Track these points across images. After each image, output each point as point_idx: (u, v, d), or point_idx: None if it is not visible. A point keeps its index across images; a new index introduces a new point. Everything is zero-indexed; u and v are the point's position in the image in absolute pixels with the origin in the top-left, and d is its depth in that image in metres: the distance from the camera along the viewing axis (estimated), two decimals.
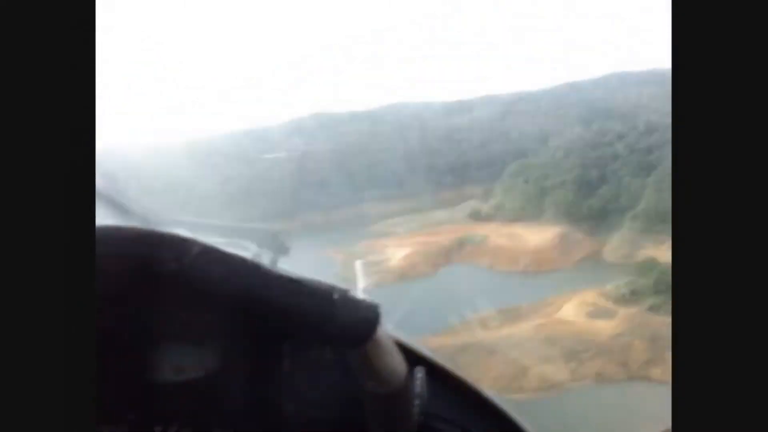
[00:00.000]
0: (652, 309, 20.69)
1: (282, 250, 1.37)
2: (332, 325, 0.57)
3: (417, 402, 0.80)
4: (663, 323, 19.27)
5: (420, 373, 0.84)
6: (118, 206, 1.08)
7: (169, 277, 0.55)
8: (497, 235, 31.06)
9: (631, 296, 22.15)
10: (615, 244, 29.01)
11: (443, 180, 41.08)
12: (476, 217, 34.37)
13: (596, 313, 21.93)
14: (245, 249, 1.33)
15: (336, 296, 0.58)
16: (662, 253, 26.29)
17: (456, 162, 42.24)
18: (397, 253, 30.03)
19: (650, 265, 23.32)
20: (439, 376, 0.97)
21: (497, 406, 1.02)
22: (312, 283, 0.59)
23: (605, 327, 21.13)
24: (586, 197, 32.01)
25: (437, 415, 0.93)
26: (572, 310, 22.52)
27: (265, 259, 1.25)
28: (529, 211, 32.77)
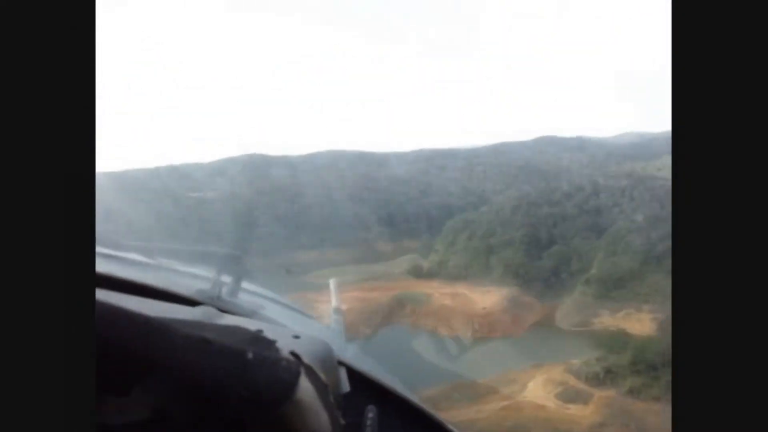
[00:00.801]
0: (632, 392, 17.37)
1: (243, 273, 1.36)
2: (244, 387, 0.52)
3: None
4: (648, 410, 15.91)
5: (371, 412, 0.84)
6: None
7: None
8: (440, 294, 27.36)
9: (606, 376, 18.71)
10: (567, 310, 25.93)
11: (378, 231, 37.77)
12: (416, 273, 30.61)
13: (568, 396, 18.39)
14: (205, 275, 1.31)
15: (250, 355, 0.53)
16: (621, 322, 23.63)
17: (392, 213, 38.95)
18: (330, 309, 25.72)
19: (622, 339, 20.11)
20: (401, 408, 0.98)
21: None
22: (224, 343, 0.53)
23: (582, 414, 17.55)
24: (534, 258, 28.98)
25: None
26: (539, 390, 18.93)
27: (225, 284, 1.24)
28: (475, 270, 29.32)
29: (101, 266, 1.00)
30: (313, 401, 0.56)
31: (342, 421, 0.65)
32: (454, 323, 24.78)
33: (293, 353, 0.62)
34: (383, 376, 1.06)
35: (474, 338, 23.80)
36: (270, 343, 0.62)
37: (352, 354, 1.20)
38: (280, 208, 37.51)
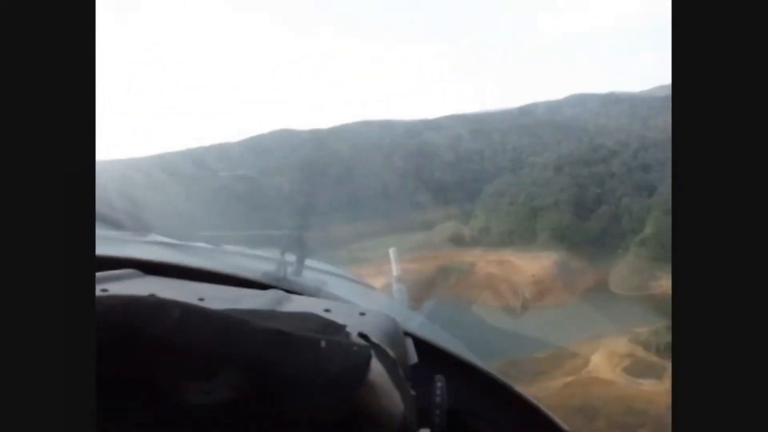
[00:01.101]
0: None
1: (305, 252, 1.39)
2: (319, 375, 0.54)
3: (437, 412, 0.80)
4: None
5: (440, 382, 0.84)
6: (113, 222, 1.15)
7: (151, 343, 0.52)
8: (485, 262, 25.77)
9: None
10: (622, 274, 24.09)
11: (414, 200, 36.20)
12: (458, 241, 29.00)
13: (638, 370, 16.77)
14: (270, 256, 1.36)
15: (323, 344, 0.55)
16: None
17: (426, 181, 37.29)
18: (372, 283, 24.40)
19: None
20: (469, 373, 0.97)
21: (528, 399, 1.00)
22: (299, 333, 0.55)
23: (657, 391, 15.88)
24: (582, 220, 27.12)
25: (466, 411, 0.93)
26: (604, 364, 17.36)
27: (290, 264, 1.28)
28: (520, 236, 27.60)
29: (173, 256, 1.08)
30: (384, 382, 0.57)
31: (412, 393, 0.66)
32: (503, 292, 23.23)
33: (362, 334, 0.62)
34: (450, 344, 1.04)
35: (525, 308, 22.28)
36: (340, 328, 0.63)
37: (417, 323, 1.18)
38: (312, 182, 36.23)
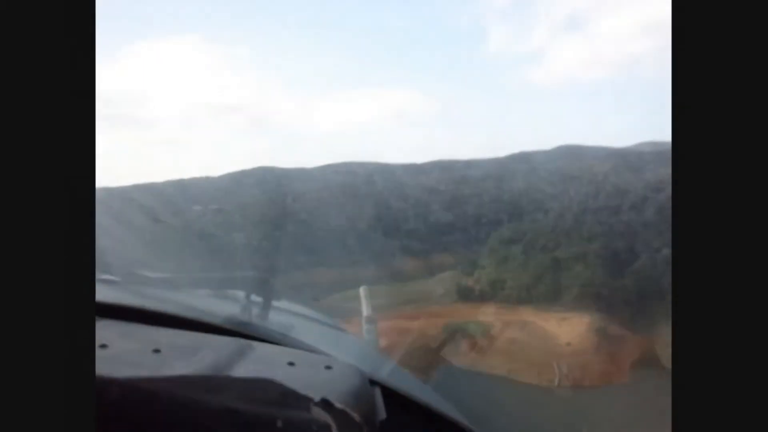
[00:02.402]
0: None
1: (273, 295, 1.31)
2: None
3: None
4: None
5: None
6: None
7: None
8: (503, 323, 19.97)
9: None
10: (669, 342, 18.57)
11: (403, 246, 30.65)
12: (464, 295, 23.26)
13: None
14: (234, 297, 1.28)
15: (279, 423, 0.51)
16: None
17: (418, 227, 31.85)
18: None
19: None
20: (441, 424, 0.93)
21: None
22: (253, 411, 0.51)
23: None
24: (615, 275, 21.67)
25: None
26: None
27: (255, 307, 1.21)
28: (541, 292, 21.98)
29: (129, 300, 1.00)
30: None
31: None
32: (533, 365, 17.45)
33: (324, 401, 0.58)
34: (421, 392, 1.00)
35: (563, 387, 16.52)
36: (300, 399, 0.58)
37: (387, 368, 1.09)
38: (292, 223, 30.56)
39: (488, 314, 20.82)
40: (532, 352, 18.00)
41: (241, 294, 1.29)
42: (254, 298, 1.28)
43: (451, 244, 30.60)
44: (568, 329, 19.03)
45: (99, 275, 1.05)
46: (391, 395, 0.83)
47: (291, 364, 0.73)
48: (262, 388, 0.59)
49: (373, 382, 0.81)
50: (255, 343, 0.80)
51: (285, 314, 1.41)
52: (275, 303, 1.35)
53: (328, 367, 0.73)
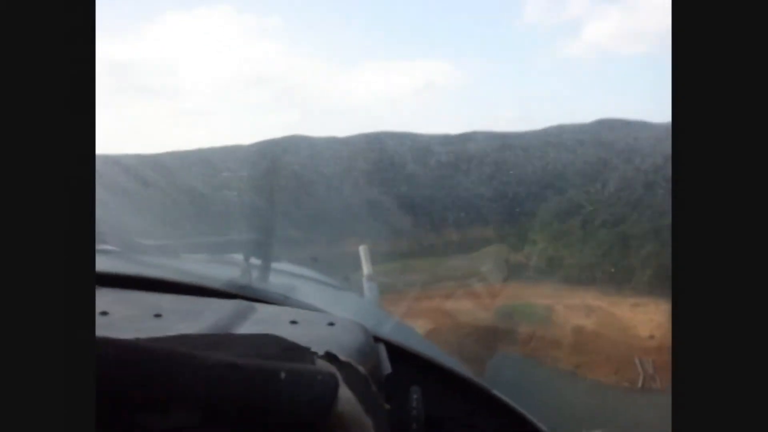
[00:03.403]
0: None
1: (271, 257, 1.28)
2: (280, 410, 0.47)
3: (414, 426, 0.74)
4: None
5: (415, 393, 0.77)
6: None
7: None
8: (565, 307, 16.58)
9: None
10: None
11: (439, 217, 27.31)
12: (516, 274, 19.83)
13: None
14: (234, 261, 1.26)
15: (283, 375, 0.48)
16: None
17: (451, 196, 28.42)
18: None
19: None
20: (444, 377, 0.92)
21: (506, 401, 0.95)
22: (255, 364, 0.48)
23: None
24: None
25: (445, 416, 0.88)
26: None
27: (255, 270, 1.19)
28: (608, 271, 18.46)
29: (128, 267, 1.01)
30: (353, 410, 0.51)
31: (387, 407, 0.61)
32: (608, 361, 14.08)
33: (329, 354, 0.58)
34: (424, 346, 0.97)
35: (649, 389, 13.16)
36: (304, 352, 0.57)
37: (390, 325, 1.07)
38: (320, 191, 27.47)
39: (546, 296, 17.40)
40: (604, 343, 14.60)
41: (240, 257, 1.25)
42: (254, 260, 1.24)
43: (491, 217, 27.23)
44: (645, 318, 15.55)
45: (97, 246, 0.97)
46: (395, 352, 0.82)
47: (293, 322, 0.72)
48: (265, 343, 0.57)
49: (376, 339, 0.79)
50: (257, 305, 0.79)
51: (285, 276, 1.37)
52: (275, 265, 1.31)
53: (331, 324, 0.72)
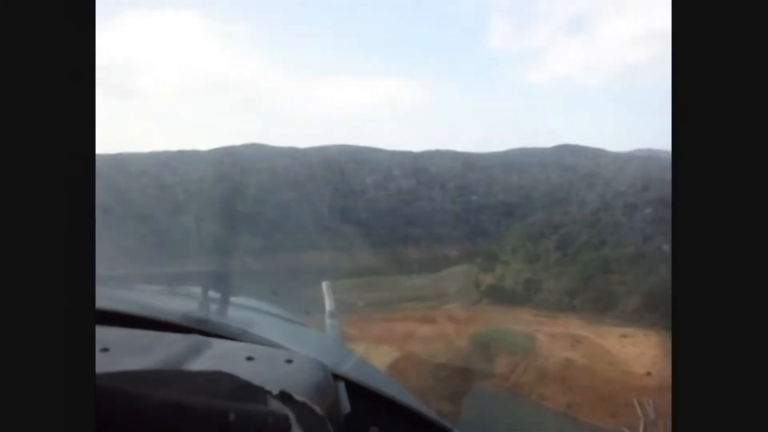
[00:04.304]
0: None
1: (230, 290, 1.25)
2: None
3: None
4: None
5: None
6: None
7: None
8: (548, 336, 14.37)
9: None
10: None
11: (402, 234, 25.04)
12: (489, 296, 17.67)
13: None
14: (191, 294, 1.22)
15: (232, 416, 0.44)
16: None
17: (415, 213, 26.27)
18: (368, 353, 11.87)
19: None
20: (405, 416, 0.88)
21: None
22: (202, 404, 0.45)
23: None
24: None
25: None
26: None
27: (212, 303, 1.17)
28: (590, 298, 16.38)
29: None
30: None
31: None
32: (603, 401, 11.84)
33: (283, 393, 0.54)
34: (386, 385, 0.94)
35: None
36: (257, 391, 0.53)
37: (352, 362, 1.02)
38: (279, 206, 24.97)
39: (523, 323, 15.18)
40: (595, 380, 12.39)
41: (198, 290, 1.20)
42: (212, 293, 1.21)
43: (455, 236, 25.12)
44: (636, 351, 13.48)
45: None
46: (356, 390, 0.80)
47: (249, 358, 0.69)
48: (216, 381, 0.53)
49: (336, 377, 0.76)
50: (213, 339, 0.76)
51: (245, 310, 1.32)
52: (234, 299, 1.28)
53: (289, 361, 0.70)
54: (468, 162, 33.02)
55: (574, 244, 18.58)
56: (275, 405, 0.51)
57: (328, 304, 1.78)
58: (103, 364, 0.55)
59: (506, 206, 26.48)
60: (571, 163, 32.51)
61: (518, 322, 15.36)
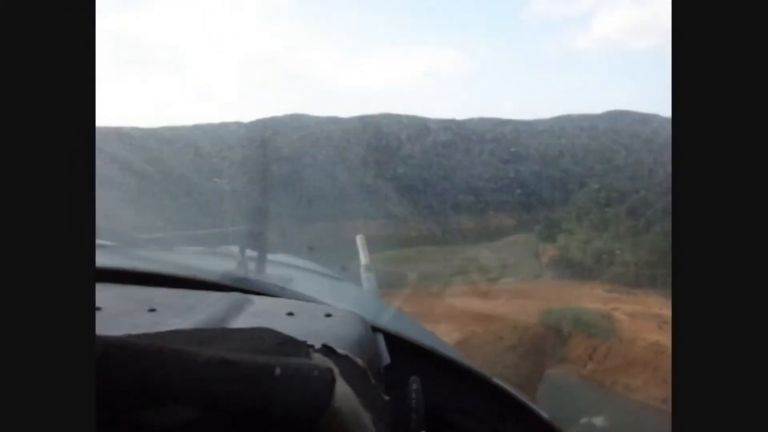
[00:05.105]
0: None
1: (266, 248, 1.26)
2: (275, 408, 0.43)
3: (414, 417, 0.70)
4: None
5: (415, 384, 0.72)
6: None
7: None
8: (628, 315, 12.34)
9: None
10: None
11: (449, 202, 23.10)
12: (553, 269, 15.65)
13: None
14: (229, 253, 1.22)
15: (278, 371, 0.44)
16: None
17: (463, 180, 24.16)
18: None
19: None
20: (444, 366, 0.89)
21: (507, 389, 0.91)
22: (248, 360, 0.44)
23: None
24: None
25: (445, 406, 0.85)
26: None
27: (251, 262, 1.16)
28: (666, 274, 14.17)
29: (120, 261, 0.96)
30: (351, 405, 0.48)
31: (386, 398, 0.59)
32: None
33: (326, 347, 0.54)
34: (424, 336, 0.95)
35: None
36: (299, 346, 0.53)
37: (389, 315, 1.02)
38: (327, 171, 23.20)
39: (598, 300, 13.14)
40: None
41: (235, 249, 1.21)
42: (249, 252, 1.21)
43: (508, 203, 23.05)
44: None
45: None
46: (394, 342, 0.80)
47: (290, 314, 0.70)
48: (259, 337, 0.54)
49: (375, 329, 0.76)
50: (252, 297, 0.76)
51: (282, 267, 1.36)
52: (271, 256, 1.28)
53: (329, 315, 0.70)
54: (516, 128, 30.65)
55: (647, 213, 16.27)
56: (318, 358, 0.51)
57: (363, 257, 1.65)
58: (152, 325, 0.58)
59: (561, 172, 24.21)
60: (624, 129, 29.77)
61: (590, 298, 13.33)
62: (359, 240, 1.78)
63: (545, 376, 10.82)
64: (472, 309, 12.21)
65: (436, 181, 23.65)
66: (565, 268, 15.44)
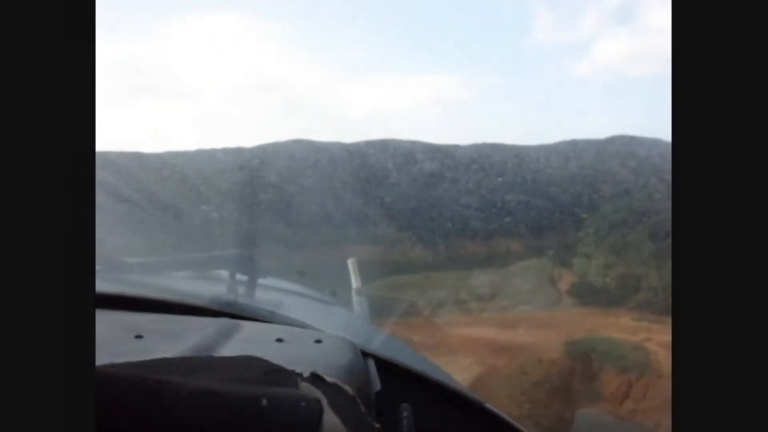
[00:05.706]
0: None
1: (257, 272, 1.19)
2: None
3: None
4: None
5: (406, 411, 0.72)
6: None
7: None
8: (663, 347, 11.03)
9: None
10: None
11: (456, 227, 21.95)
12: (575, 295, 14.36)
13: None
14: (219, 278, 1.19)
15: (265, 402, 0.43)
16: None
17: (470, 205, 23.03)
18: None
19: None
20: (436, 391, 0.85)
21: (499, 414, 0.87)
22: (235, 391, 0.43)
23: None
24: None
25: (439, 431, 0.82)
26: None
27: (240, 286, 1.10)
28: None
29: (108, 286, 0.90)
30: None
31: (376, 426, 0.57)
32: None
33: (314, 375, 0.52)
34: (414, 360, 0.89)
35: None
36: (288, 375, 0.52)
37: (380, 339, 0.99)
38: (328, 197, 22.10)
39: (626, 330, 11.84)
40: None
41: (225, 273, 1.17)
42: (239, 276, 1.16)
43: (516, 228, 21.93)
44: None
45: None
46: (385, 367, 0.76)
47: (279, 340, 0.68)
48: (245, 366, 0.53)
49: (366, 354, 0.73)
50: (242, 322, 0.73)
51: (272, 291, 1.33)
52: (261, 280, 1.24)
53: (318, 341, 0.68)
54: (519, 154, 29.68)
55: (669, 236, 15.10)
56: (306, 388, 0.49)
57: (354, 281, 1.66)
58: (138, 352, 0.56)
59: (568, 196, 23.17)
60: (629, 152, 28.80)
61: (617, 328, 12.04)
62: (351, 263, 1.76)
63: (577, 417, 9.41)
64: (490, 339, 10.94)
65: (440, 205, 22.62)
66: (585, 295, 14.14)
